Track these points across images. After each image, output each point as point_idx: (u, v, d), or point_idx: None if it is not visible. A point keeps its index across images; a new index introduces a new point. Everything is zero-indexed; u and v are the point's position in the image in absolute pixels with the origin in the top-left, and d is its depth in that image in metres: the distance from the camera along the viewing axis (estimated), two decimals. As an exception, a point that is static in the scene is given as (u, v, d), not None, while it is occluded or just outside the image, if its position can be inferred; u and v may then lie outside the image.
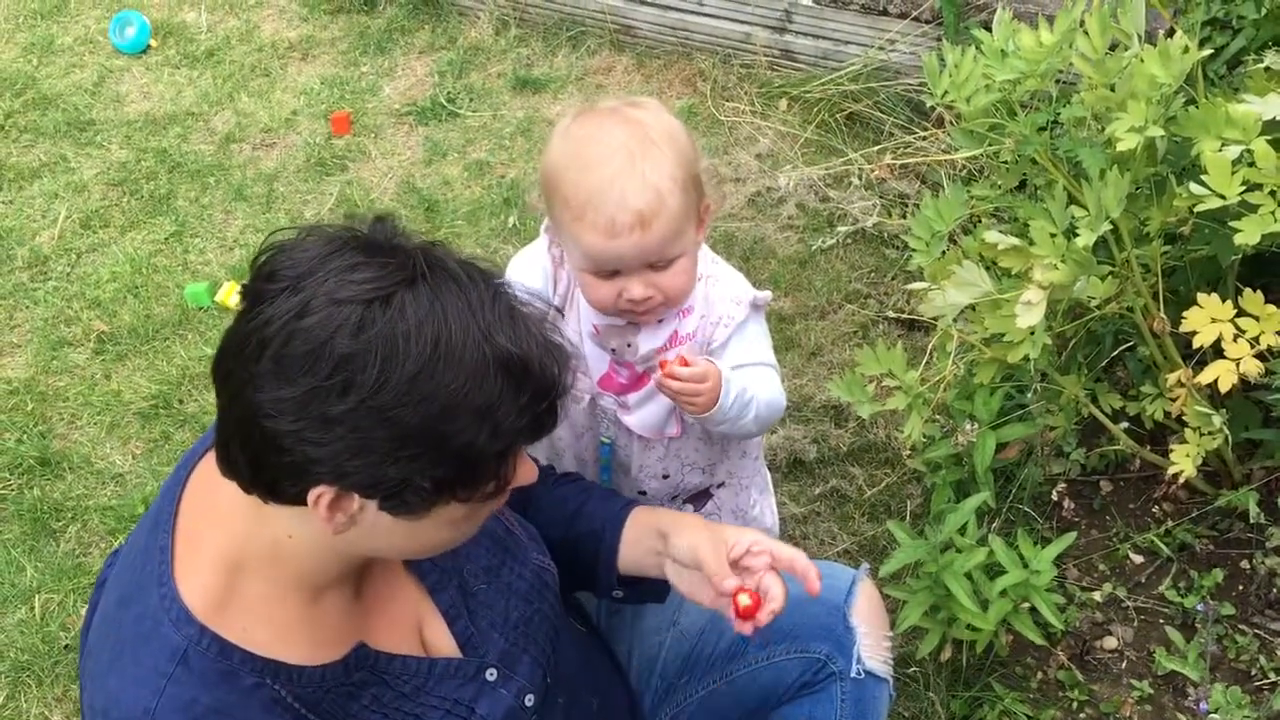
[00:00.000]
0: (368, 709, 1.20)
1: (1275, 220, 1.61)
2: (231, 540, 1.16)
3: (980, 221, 2.35)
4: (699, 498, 1.73)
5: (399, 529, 1.11)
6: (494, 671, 1.30)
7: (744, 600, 1.32)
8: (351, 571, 1.20)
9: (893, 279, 2.73)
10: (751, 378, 1.56)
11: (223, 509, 1.16)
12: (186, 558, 1.16)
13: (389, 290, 1.03)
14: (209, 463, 1.20)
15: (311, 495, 1.06)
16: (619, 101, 1.52)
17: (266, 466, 1.07)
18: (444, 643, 1.29)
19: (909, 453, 2.30)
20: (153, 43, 3.72)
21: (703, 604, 1.39)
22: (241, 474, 1.10)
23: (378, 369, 1.01)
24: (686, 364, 1.48)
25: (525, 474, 1.16)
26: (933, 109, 2.88)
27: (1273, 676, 1.91)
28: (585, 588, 1.48)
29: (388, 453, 1.04)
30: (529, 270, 1.64)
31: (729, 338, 1.55)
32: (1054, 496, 2.18)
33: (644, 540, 1.44)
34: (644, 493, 1.69)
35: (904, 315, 2.62)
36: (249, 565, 1.15)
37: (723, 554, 1.33)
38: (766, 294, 1.61)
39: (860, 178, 2.92)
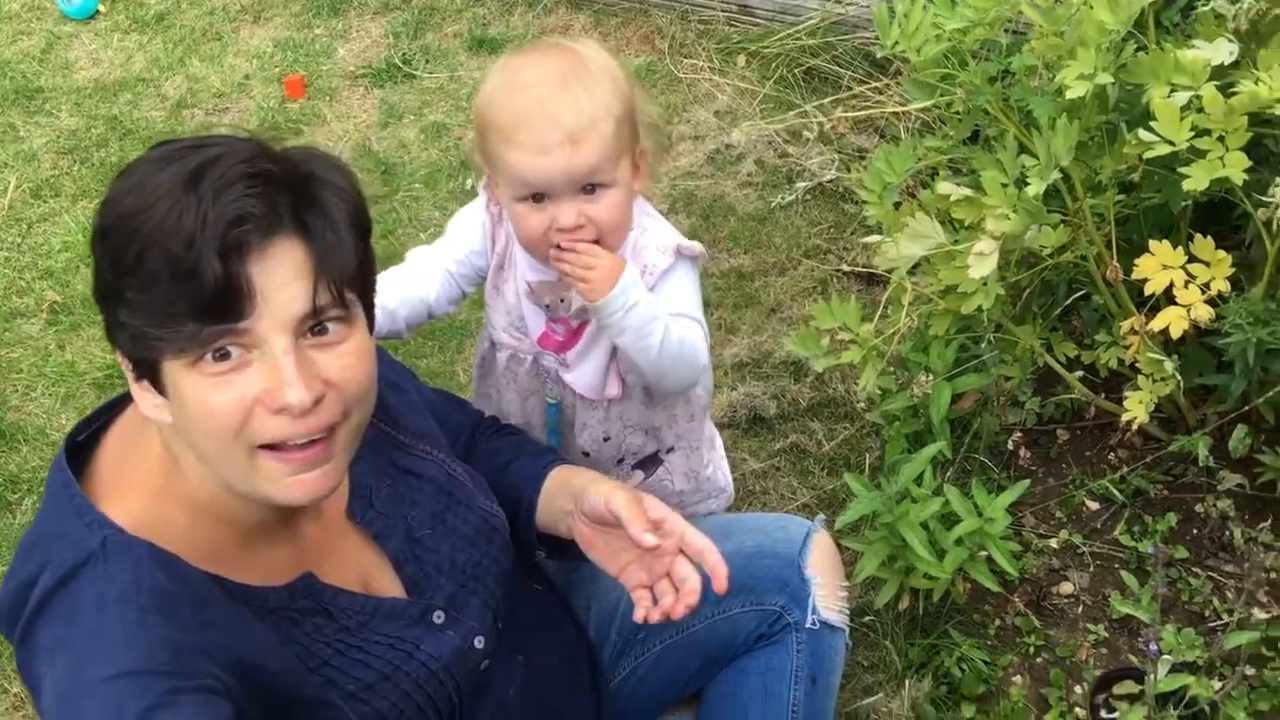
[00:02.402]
0: (309, 635, 1.20)
1: (1224, 165, 1.62)
2: (145, 468, 1.15)
3: (938, 174, 2.35)
4: (649, 463, 1.72)
5: (176, 414, 1.09)
6: (441, 614, 1.29)
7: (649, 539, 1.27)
8: (266, 513, 1.17)
9: (852, 234, 2.72)
10: (671, 322, 1.53)
11: (136, 443, 1.16)
12: (108, 492, 1.15)
13: (167, 159, 1.06)
14: (121, 420, 1.20)
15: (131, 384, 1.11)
16: (557, 39, 1.51)
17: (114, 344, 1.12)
18: (391, 587, 1.29)
19: (865, 405, 2.31)
20: (101, 8, 3.65)
21: (609, 570, 1.36)
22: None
23: (104, 218, 1.07)
24: None
25: (276, 391, 1.05)
26: (889, 62, 2.87)
27: (1225, 617, 1.94)
28: (516, 547, 1.47)
29: (102, 286, 1.07)
30: (468, 229, 1.62)
31: (654, 285, 1.53)
32: (1010, 446, 2.19)
33: (557, 499, 1.44)
34: (587, 454, 1.68)
35: (862, 269, 2.62)
36: (165, 492, 1.14)
37: (640, 509, 1.30)
38: (696, 245, 1.59)
39: (816, 131, 2.91)
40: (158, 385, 1.09)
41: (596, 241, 1.48)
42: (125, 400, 1.21)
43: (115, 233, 1.05)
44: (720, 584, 1.30)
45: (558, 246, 1.48)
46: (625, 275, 1.47)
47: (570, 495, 1.41)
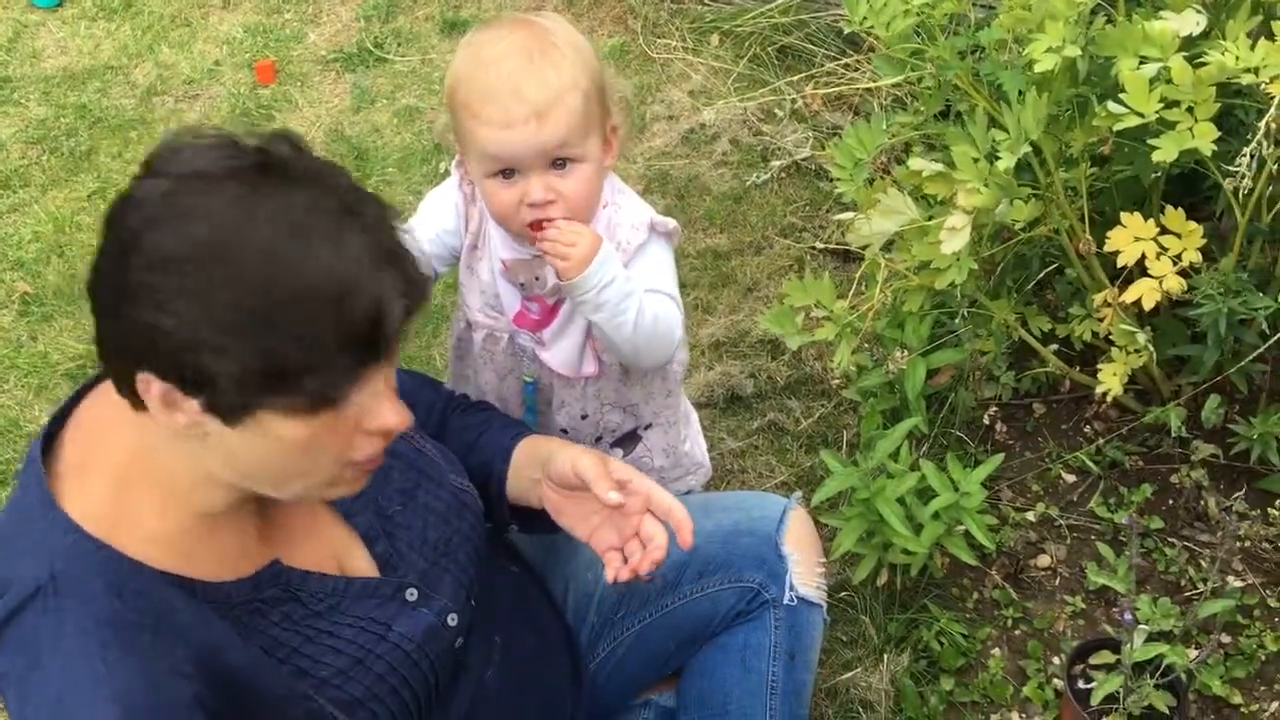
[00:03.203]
0: (277, 625, 1.19)
1: (1193, 136, 1.63)
2: (117, 454, 1.13)
3: (912, 150, 2.35)
4: (627, 440, 1.72)
5: (245, 446, 1.08)
6: (414, 591, 1.29)
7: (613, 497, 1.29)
8: (243, 501, 1.17)
9: (827, 211, 2.72)
10: (646, 298, 1.53)
11: (108, 428, 1.14)
12: (71, 483, 1.13)
13: (218, 173, 1.03)
14: (89, 404, 1.18)
15: (139, 382, 1.04)
16: (523, 14, 1.50)
17: (101, 345, 1.07)
18: (363, 565, 1.29)
19: (841, 382, 2.31)
20: (68, -5, 3.60)
21: (579, 535, 1.38)
22: (111, 375, 1.09)
23: (167, 239, 1.01)
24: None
25: (388, 415, 1.11)
26: (863, 39, 2.86)
27: (1200, 587, 1.95)
28: (488, 520, 1.47)
29: (186, 338, 1.01)
30: (441, 209, 1.61)
31: (628, 261, 1.53)
32: (986, 420, 2.20)
33: (526, 470, 1.44)
34: (566, 432, 1.68)
35: (838, 247, 2.62)
36: (135, 480, 1.13)
37: (605, 469, 1.32)
38: (670, 220, 1.59)
39: (788, 109, 2.90)
40: (223, 413, 1.06)
41: (565, 215, 1.47)
42: (87, 388, 1.21)
43: (305, 304, 1.02)
44: (685, 539, 1.32)
45: (538, 225, 1.47)
46: (600, 252, 1.46)
47: (538, 463, 1.42)
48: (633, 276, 1.51)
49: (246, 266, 1.01)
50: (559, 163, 1.46)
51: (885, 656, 1.90)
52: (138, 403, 1.07)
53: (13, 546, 1.12)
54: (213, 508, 1.15)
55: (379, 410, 1.11)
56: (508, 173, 1.46)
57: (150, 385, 1.04)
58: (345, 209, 1.05)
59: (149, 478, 1.13)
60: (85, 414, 1.19)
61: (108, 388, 1.13)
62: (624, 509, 1.33)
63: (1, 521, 1.17)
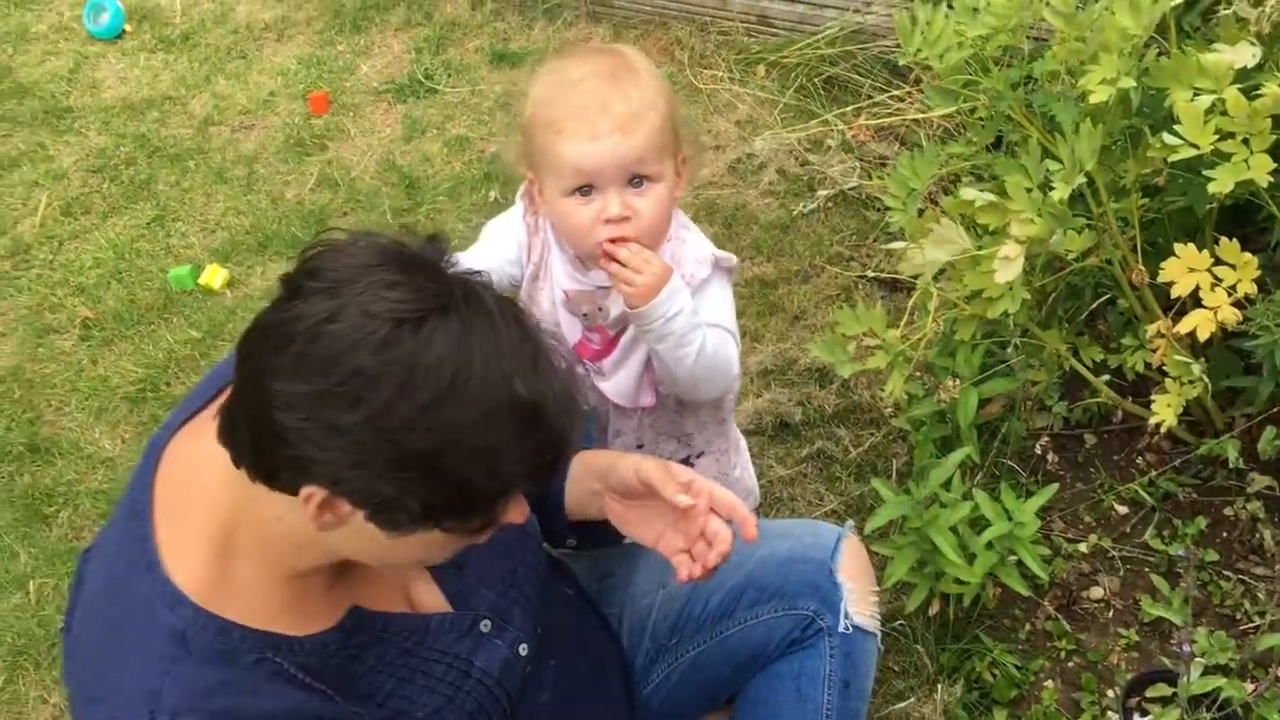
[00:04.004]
0: (373, 670, 1.21)
1: (1248, 168, 1.63)
2: (218, 519, 1.16)
3: (960, 180, 2.36)
4: (679, 469, 1.74)
5: (380, 540, 1.12)
6: (488, 623, 1.31)
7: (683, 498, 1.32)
8: (334, 559, 1.21)
9: (874, 240, 2.73)
10: (707, 332, 1.55)
11: (206, 487, 1.16)
12: (172, 541, 1.16)
13: (421, 314, 1.03)
14: (177, 447, 1.21)
15: (304, 492, 1.07)
16: (600, 45, 1.54)
17: (268, 454, 1.07)
18: (434, 600, 1.31)
19: (892, 411, 2.31)
20: (127, 28, 3.69)
21: (645, 542, 1.39)
22: (244, 454, 1.10)
23: (391, 391, 1.02)
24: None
25: (515, 515, 1.17)
26: (909, 70, 2.88)
27: (1256, 620, 1.93)
28: (545, 538, 1.49)
29: (385, 471, 1.04)
30: (503, 238, 1.64)
31: (692, 296, 1.55)
32: (1038, 450, 2.20)
33: (584, 482, 1.46)
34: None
35: (886, 276, 2.63)
36: (237, 545, 1.16)
37: (669, 473, 1.34)
38: (732, 257, 1.62)
39: (838, 140, 2.92)
40: (388, 527, 1.09)
41: (638, 240, 1.50)
42: (163, 442, 1.24)
43: (508, 440, 1.07)
44: (750, 533, 1.34)
45: (609, 244, 1.49)
46: (670, 283, 1.49)
47: (596, 475, 1.44)
48: (698, 310, 1.53)
49: (466, 411, 1.03)
50: (636, 181, 1.49)
51: (938, 687, 1.90)
52: (274, 487, 1.09)
53: (120, 635, 1.14)
54: (303, 567, 1.18)
55: (511, 512, 1.15)
56: (585, 190, 1.49)
57: (316, 495, 1.07)
58: (533, 341, 1.09)
59: (249, 542, 1.16)
60: (173, 467, 1.21)
61: (194, 439, 1.16)
62: (692, 509, 1.34)
63: (101, 587, 1.20)
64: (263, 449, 1.07)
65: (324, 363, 1.02)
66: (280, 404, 1.03)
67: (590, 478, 1.46)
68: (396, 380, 1.02)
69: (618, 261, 1.48)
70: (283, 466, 1.07)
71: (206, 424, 1.16)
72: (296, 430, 1.03)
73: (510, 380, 1.05)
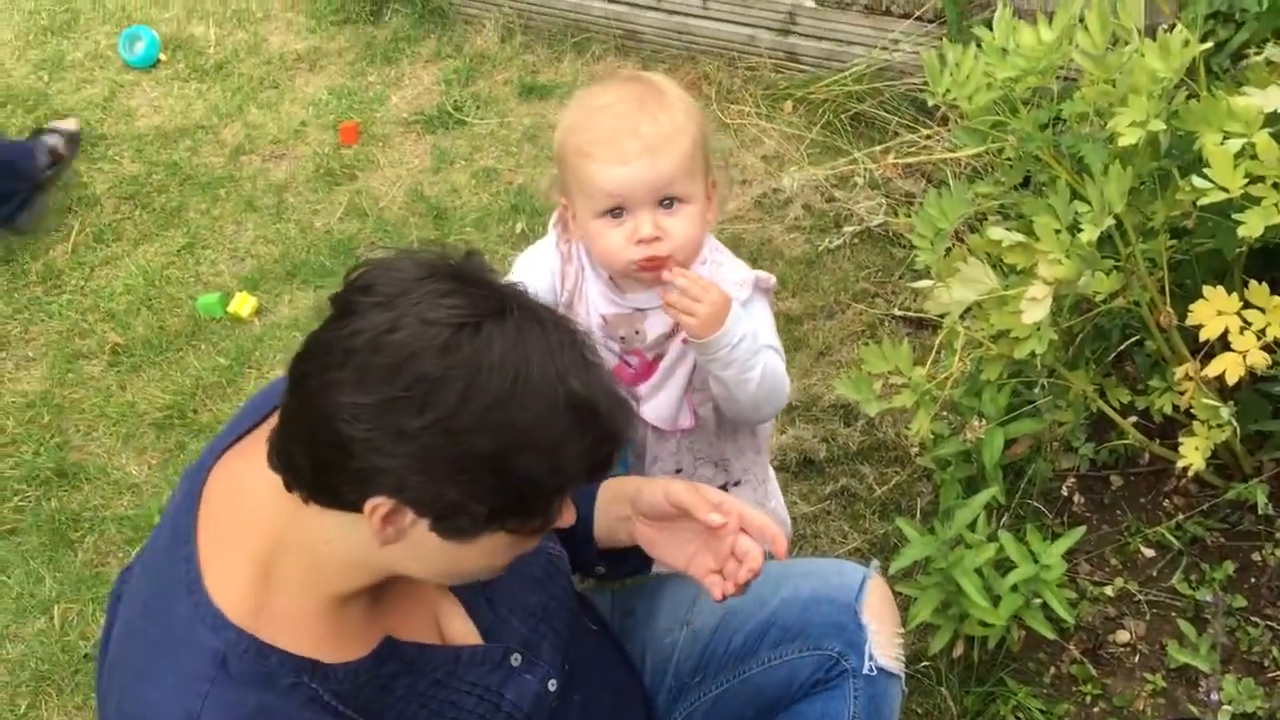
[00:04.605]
0: (403, 699, 1.22)
1: (1278, 212, 1.62)
2: (263, 544, 1.17)
3: (986, 219, 2.36)
4: (716, 496, 1.74)
5: (442, 551, 1.13)
6: (518, 657, 1.32)
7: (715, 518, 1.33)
8: (377, 582, 1.22)
9: (900, 278, 2.73)
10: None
11: (252, 512, 1.17)
12: (215, 564, 1.17)
13: (478, 319, 1.06)
14: (223, 471, 1.22)
15: (369, 504, 1.08)
16: (631, 72, 1.56)
17: (332, 470, 1.08)
18: (464, 631, 1.31)
19: (918, 450, 2.30)
20: (162, 57, 3.75)
21: (676, 565, 1.40)
22: (301, 476, 1.12)
23: (458, 393, 1.04)
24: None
25: (567, 517, 1.19)
26: (936, 107, 2.89)
27: (1286, 668, 1.91)
28: (574, 568, 1.49)
29: (451, 474, 1.06)
30: (536, 267, 1.66)
31: None
32: (1064, 492, 2.18)
33: (613, 508, 1.47)
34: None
35: (911, 314, 2.62)
36: (281, 570, 1.17)
37: (700, 494, 1.36)
38: (771, 277, 1.63)
39: (865, 177, 2.93)
40: (452, 534, 1.11)
41: (670, 253, 1.51)
42: (207, 467, 1.25)
43: (567, 438, 1.10)
44: (780, 550, 1.37)
45: (647, 266, 1.50)
46: (734, 311, 1.50)
47: (625, 501, 1.45)
48: (757, 333, 1.54)
49: (528, 410, 1.06)
50: (666, 202, 1.51)
51: (961, 729, 1.88)
52: (337, 505, 1.11)
53: (159, 654, 1.15)
54: (347, 590, 1.19)
55: (565, 513, 1.18)
56: (617, 212, 1.51)
57: (381, 506, 1.08)
58: (579, 341, 1.12)
59: (293, 567, 1.17)
60: (217, 492, 1.22)
61: (239, 464, 1.18)
62: (725, 527, 1.35)
63: (141, 607, 1.21)
64: (325, 466, 1.08)
65: (388, 371, 1.04)
66: (346, 416, 1.05)
67: (619, 503, 1.46)
68: (461, 383, 1.04)
69: (677, 289, 1.49)
70: (347, 481, 1.08)
71: (251, 449, 1.17)
72: (363, 441, 1.05)
73: (565, 377, 1.07)
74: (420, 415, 1.04)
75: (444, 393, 1.04)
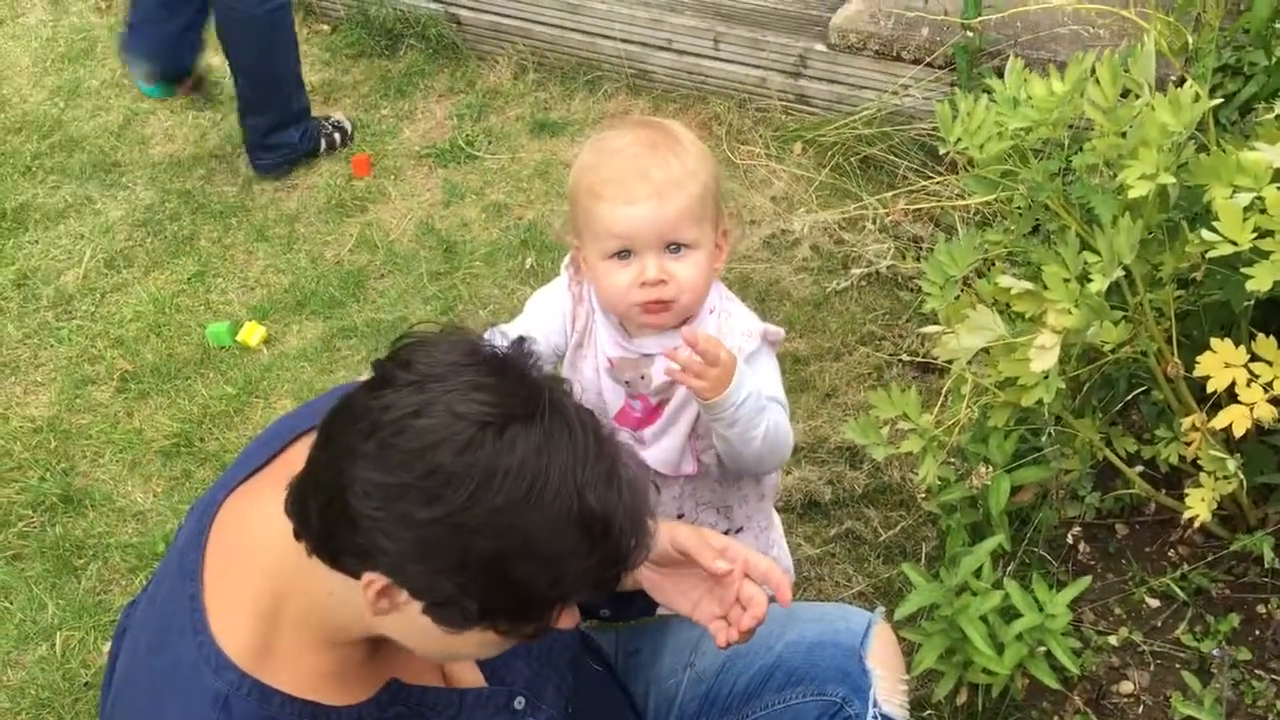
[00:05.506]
0: None
1: (1287, 266, 1.63)
2: (269, 585, 1.17)
3: (995, 265, 2.37)
4: (719, 542, 1.74)
5: (433, 632, 1.13)
6: (522, 700, 1.32)
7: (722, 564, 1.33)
8: (377, 634, 1.22)
9: (907, 321, 2.74)
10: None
11: (260, 552, 1.18)
12: (220, 604, 1.18)
13: (505, 419, 1.05)
14: (232, 508, 1.22)
15: (366, 577, 1.09)
16: (646, 117, 1.58)
17: (336, 537, 1.09)
18: (469, 674, 1.31)
19: (924, 495, 2.31)
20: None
21: (681, 610, 1.40)
22: (310, 530, 1.12)
23: (468, 493, 1.03)
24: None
25: (567, 621, 1.18)
26: (946, 154, 2.91)
27: (1290, 722, 1.90)
28: (580, 611, 1.49)
29: (449, 568, 1.06)
30: (547, 308, 1.67)
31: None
32: (1069, 540, 2.18)
33: None
34: (659, 534, 1.70)
35: (918, 358, 2.63)
36: (285, 613, 1.17)
37: (704, 540, 1.36)
38: (780, 330, 1.64)
39: (874, 221, 2.95)
40: (444, 622, 1.11)
41: (676, 298, 1.52)
42: (217, 502, 1.25)
43: (575, 550, 1.08)
44: (785, 598, 1.36)
45: (650, 308, 1.51)
46: (739, 371, 1.51)
47: None
48: (761, 389, 1.55)
49: (535, 520, 1.05)
50: (674, 247, 1.52)
51: (963, 778, 1.87)
52: (335, 568, 1.11)
53: (162, 693, 1.15)
54: (348, 640, 1.19)
55: (564, 619, 1.16)
56: (624, 254, 1.52)
57: (376, 582, 1.08)
58: (609, 454, 1.10)
59: (297, 611, 1.17)
60: (227, 529, 1.23)
61: (250, 502, 1.18)
62: (730, 574, 1.35)
63: (146, 643, 1.21)
64: (331, 530, 1.08)
65: (407, 456, 1.04)
66: (358, 490, 1.05)
67: None
68: (475, 482, 1.03)
69: (680, 361, 1.47)
70: (348, 550, 1.08)
71: (263, 486, 1.18)
72: (369, 518, 1.05)
73: (583, 492, 1.06)
74: (429, 507, 1.03)
75: (456, 489, 1.03)
